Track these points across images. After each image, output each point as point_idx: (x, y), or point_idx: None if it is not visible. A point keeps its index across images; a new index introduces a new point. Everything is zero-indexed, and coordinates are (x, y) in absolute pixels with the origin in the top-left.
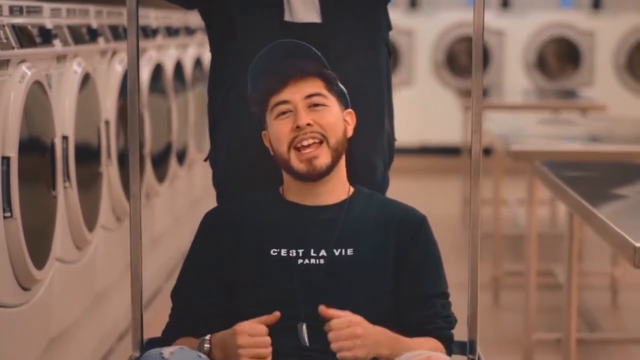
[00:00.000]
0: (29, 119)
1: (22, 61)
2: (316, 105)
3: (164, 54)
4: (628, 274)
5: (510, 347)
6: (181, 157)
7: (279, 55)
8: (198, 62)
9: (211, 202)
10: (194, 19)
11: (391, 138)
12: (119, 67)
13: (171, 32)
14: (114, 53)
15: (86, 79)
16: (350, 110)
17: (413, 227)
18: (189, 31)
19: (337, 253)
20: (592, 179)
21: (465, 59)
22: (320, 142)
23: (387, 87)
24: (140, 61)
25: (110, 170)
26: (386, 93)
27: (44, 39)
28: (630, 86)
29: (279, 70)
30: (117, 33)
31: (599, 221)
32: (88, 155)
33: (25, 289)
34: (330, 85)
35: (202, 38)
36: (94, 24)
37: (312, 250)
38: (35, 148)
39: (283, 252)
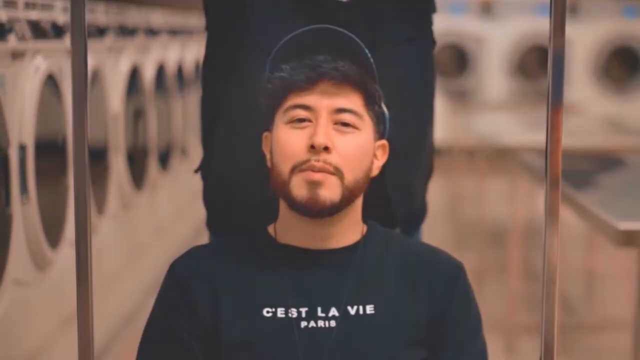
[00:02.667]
0: None
1: None
2: (345, 125)
3: (166, 53)
4: (605, 262)
5: (491, 332)
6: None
7: (316, 43)
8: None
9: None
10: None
11: (432, 152)
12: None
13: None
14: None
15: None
16: (384, 142)
17: (448, 278)
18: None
19: (352, 311)
20: (574, 170)
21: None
22: (332, 174)
23: (431, 90)
24: (85, 63)
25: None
26: (430, 97)
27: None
28: (606, 88)
29: (311, 62)
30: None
31: (582, 206)
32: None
33: None
34: (371, 104)
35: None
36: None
37: (319, 309)
38: None
39: (280, 312)
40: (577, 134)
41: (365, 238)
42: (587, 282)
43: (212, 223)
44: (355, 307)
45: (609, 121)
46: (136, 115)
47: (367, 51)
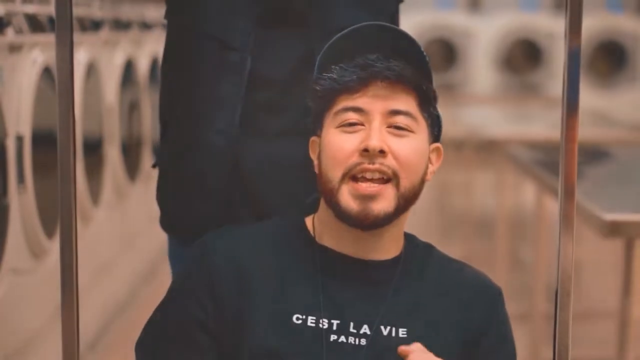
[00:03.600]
0: None
1: None
2: (399, 128)
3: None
4: (591, 253)
5: None
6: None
7: (367, 42)
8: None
9: None
10: None
11: None
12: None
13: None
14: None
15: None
16: (439, 145)
17: (487, 304)
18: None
19: (385, 332)
20: (557, 162)
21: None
22: (387, 181)
23: None
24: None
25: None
26: None
27: None
28: (591, 82)
29: (363, 62)
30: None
31: None
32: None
33: None
34: (426, 106)
35: None
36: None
37: (351, 324)
38: None
39: (310, 321)
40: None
41: (405, 253)
42: (573, 272)
43: (166, 223)
44: (388, 328)
45: (595, 114)
46: (131, 107)
47: (422, 49)
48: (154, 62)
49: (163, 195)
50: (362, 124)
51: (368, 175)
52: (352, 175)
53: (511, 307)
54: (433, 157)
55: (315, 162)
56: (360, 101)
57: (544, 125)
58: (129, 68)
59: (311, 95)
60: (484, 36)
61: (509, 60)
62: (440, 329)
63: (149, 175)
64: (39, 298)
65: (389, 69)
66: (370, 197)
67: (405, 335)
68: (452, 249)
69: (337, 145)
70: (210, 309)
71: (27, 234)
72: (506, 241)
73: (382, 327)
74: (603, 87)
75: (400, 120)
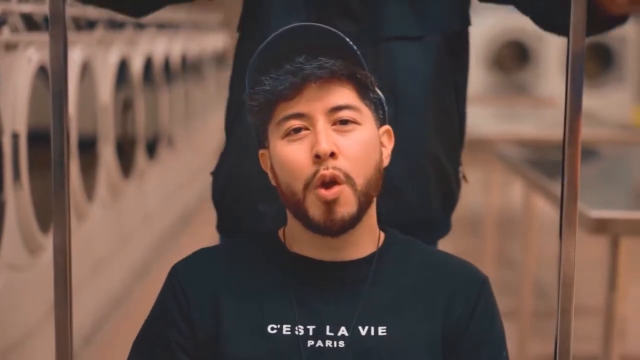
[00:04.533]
0: None
1: None
2: (345, 122)
3: (153, 47)
4: (577, 250)
5: None
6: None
7: (292, 45)
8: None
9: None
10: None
11: (447, 168)
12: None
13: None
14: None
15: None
16: (388, 127)
17: (470, 292)
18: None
19: (363, 332)
20: (549, 160)
21: None
22: (344, 183)
23: (434, 94)
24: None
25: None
26: (432, 101)
27: None
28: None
29: (292, 67)
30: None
31: (556, 195)
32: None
33: None
34: (365, 93)
35: (189, 32)
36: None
37: (327, 328)
38: None
39: (285, 329)
40: (553, 125)
41: (381, 249)
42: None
43: (222, 225)
44: (366, 328)
45: (583, 114)
46: (125, 106)
47: (345, 38)
48: (148, 62)
49: (223, 199)
50: (307, 128)
51: (325, 184)
52: (314, 185)
53: (499, 304)
54: (385, 140)
55: (270, 175)
56: (299, 107)
57: (532, 124)
58: (123, 67)
59: (249, 111)
60: (473, 37)
61: (498, 60)
62: (422, 323)
63: (143, 173)
64: (35, 294)
65: (320, 67)
66: (333, 202)
67: (385, 333)
68: (441, 246)
69: (289, 157)
70: (186, 331)
71: (23, 230)
72: (495, 238)
73: (359, 328)
74: (590, 88)
75: (344, 114)
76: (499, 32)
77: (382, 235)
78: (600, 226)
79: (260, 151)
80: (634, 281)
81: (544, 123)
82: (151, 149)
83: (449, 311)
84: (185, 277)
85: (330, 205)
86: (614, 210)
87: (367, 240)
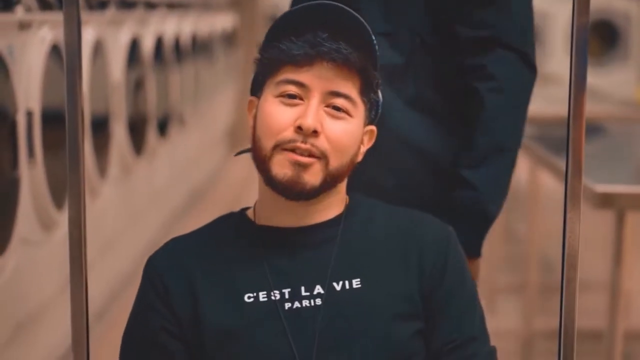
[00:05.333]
0: None
1: None
2: (337, 109)
3: (164, 26)
4: (582, 225)
5: None
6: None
7: (323, 21)
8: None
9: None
10: None
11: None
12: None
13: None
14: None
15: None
16: (372, 128)
17: (440, 243)
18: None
19: (338, 287)
20: (554, 137)
21: None
22: (317, 158)
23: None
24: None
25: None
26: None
27: (5, 5)
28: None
29: (313, 39)
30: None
31: (562, 170)
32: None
33: None
34: (367, 91)
35: (199, 12)
36: None
37: (302, 289)
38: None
39: (262, 296)
40: (558, 102)
41: (347, 210)
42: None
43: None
44: (340, 283)
45: (588, 91)
46: (136, 85)
47: (373, 36)
48: (158, 41)
49: None
50: (302, 99)
51: (297, 152)
52: (283, 148)
53: (505, 279)
54: (365, 138)
55: (250, 123)
56: (303, 76)
57: (537, 101)
58: (134, 47)
59: (257, 62)
60: None
61: None
62: (396, 274)
63: (154, 151)
64: (49, 269)
65: (337, 51)
66: (302, 166)
67: (359, 285)
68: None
69: (274, 115)
70: (170, 317)
71: (37, 206)
72: (500, 215)
73: (334, 284)
74: (595, 66)
75: (340, 102)
76: None
77: (347, 198)
78: (606, 201)
79: (251, 97)
80: (638, 256)
81: (549, 100)
82: (162, 127)
83: (422, 263)
84: (160, 267)
85: (297, 169)
86: (619, 185)
87: (334, 206)
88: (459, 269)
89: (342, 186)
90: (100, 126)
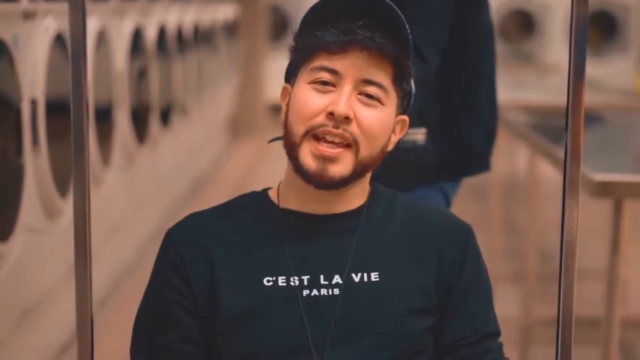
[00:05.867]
0: None
1: None
2: (370, 97)
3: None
4: (580, 214)
5: None
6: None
7: (358, 9)
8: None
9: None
10: None
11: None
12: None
13: None
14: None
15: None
16: (405, 117)
17: (459, 241)
18: None
19: (356, 279)
20: (553, 126)
21: None
22: (347, 146)
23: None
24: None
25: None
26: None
27: None
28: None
29: (347, 27)
30: None
31: (560, 160)
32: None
33: None
34: (400, 81)
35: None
36: None
37: (321, 277)
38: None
39: (281, 281)
40: (557, 92)
41: (369, 201)
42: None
43: None
44: (359, 275)
45: (587, 81)
46: (139, 75)
47: (407, 25)
48: (161, 31)
49: None
50: (334, 86)
51: (329, 138)
52: (314, 134)
53: (504, 268)
54: (397, 128)
55: (284, 109)
56: (337, 64)
57: (537, 91)
58: (137, 37)
59: (291, 49)
60: None
61: (503, 29)
62: (413, 269)
63: (157, 140)
64: (53, 256)
65: (372, 39)
66: (329, 159)
67: (377, 279)
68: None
69: (306, 101)
70: (186, 292)
71: (42, 194)
72: (500, 203)
73: (353, 275)
74: (594, 56)
75: (372, 90)
76: (504, 1)
77: (368, 188)
78: (604, 189)
79: (285, 84)
80: (636, 244)
81: (549, 90)
82: (165, 116)
83: (441, 259)
84: (179, 240)
85: (325, 161)
86: (617, 174)
87: (357, 195)
88: (477, 266)
89: (367, 177)
90: (104, 115)
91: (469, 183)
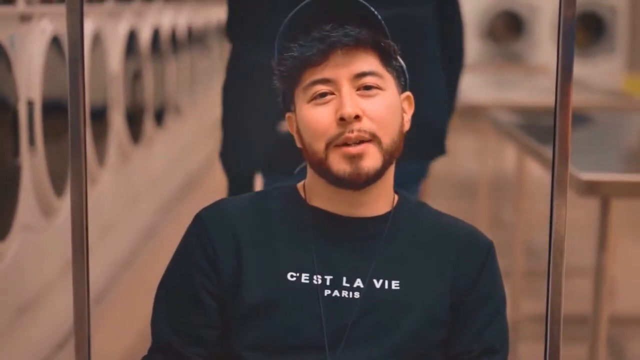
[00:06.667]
0: None
1: None
2: (368, 88)
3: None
4: (568, 212)
5: None
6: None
7: (320, 14)
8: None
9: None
10: None
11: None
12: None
13: None
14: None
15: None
16: (408, 94)
17: (477, 255)
18: None
19: (377, 285)
20: (541, 126)
21: None
22: (369, 141)
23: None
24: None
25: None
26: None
27: None
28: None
29: (319, 34)
30: None
31: (548, 159)
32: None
33: None
34: (388, 60)
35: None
36: None
37: (344, 279)
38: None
39: (304, 277)
40: (545, 92)
41: (396, 209)
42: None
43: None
44: (380, 281)
45: (574, 82)
46: (134, 76)
47: (370, 8)
48: (155, 33)
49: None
50: (333, 93)
51: (350, 142)
52: (336, 145)
53: None
54: (405, 106)
55: (296, 137)
56: (325, 72)
57: (524, 91)
58: (132, 38)
59: (277, 76)
60: (467, 8)
61: (491, 30)
62: (432, 281)
63: (151, 140)
64: (49, 254)
65: (346, 35)
66: (358, 156)
67: (398, 287)
68: (437, 208)
69: (314, 119)
70: (212, 275)
71: (38, 193)
72: (488, 201)
73: (374, 280)
74: (582, 57)
75: (368, 80)
76: (492, 2)
77: (396, 197)
78: (591, 188)
79: (287, 114)
80: (623, 242)
81: (537, 90)
82: (159, 116)
83: (457, 272)
84: (210, 223)
85: (355, 159)
86: (605, 173)
87: (383, 200)
88: (492, 282)
89: (391, 177)
90: (99, 115)
91: (458, 182)
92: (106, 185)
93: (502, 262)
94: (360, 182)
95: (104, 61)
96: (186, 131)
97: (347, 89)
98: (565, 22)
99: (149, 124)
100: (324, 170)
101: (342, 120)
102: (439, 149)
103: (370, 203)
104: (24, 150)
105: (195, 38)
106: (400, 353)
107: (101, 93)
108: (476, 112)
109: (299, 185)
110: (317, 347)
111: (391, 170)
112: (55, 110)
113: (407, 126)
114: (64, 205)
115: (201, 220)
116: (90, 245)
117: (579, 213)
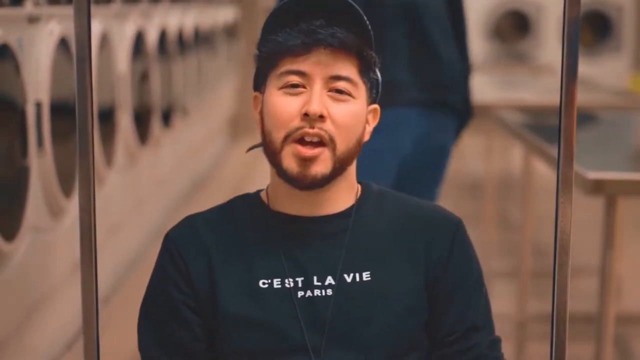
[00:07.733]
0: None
1: None
2: (340, 92)
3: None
4: (574, 211)
5: None
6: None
7: (313, 9)
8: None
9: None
10: None
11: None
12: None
13: None
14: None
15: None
16: (376, 107)
17: (446, 236)
18: None
19: (348, 279)
20: (547, 125)
21: None
22: (324, 145)
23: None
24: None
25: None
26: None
27: None
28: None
29: (307, 28)
30: None
31: (554, 158)
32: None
33: None
34: (366, 71)
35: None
36: None
37: (314, 278)
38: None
39: (276, 283)
40: (551, 91)
41: (358, 202)
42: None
43: None
44: (351, 275)
45: (581, 81)
46: (141, 77)
47: (364, 17)
48: (162, 34)
49: None
50: (304, 87)
51: (307, 139)
52: (293, 138)
53: (499, 264)
54: (370, 117)
55: (257, 118)
56: (303, 65)
57: (531, 91)
58: (139, 39)
59: (257, 57)
60: (474, 8)
61: (498, 30)
62: (404, 268)
63: (158, 141)
64: (57, 254)
65: (333, 36)
66: (309, 160)
67: (369, 278)
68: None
69: (280, 107)
70: (188, 291)
71: (46, 194)
72: (495, 201)
73: (345, 275)
74: (588, 56)
75: (341, 85)
76: (499, 2)
77: (359, 187)
78: (597, 187)
79: (255, 93)
80: (629, 241)
81: (543, 89)
82: (166, 117)
83: (429, 255)
84: (180, 241)
85: (306, 162)
86: (610, 172)
87: (344, 195)
88: (465, 260)
89: (352, 172)
90: (107, 116)
91: (465, 181)
92: (114, 186)
93: (509, 262)
94: (306, 183)
95: (111, 62)
96: (193, 132)
97: (319, 87)
98: (569, 22)
99: (156, 124)
100: (276, 163)
101: (306, 116)
102: (467, 110)
103: (331, 200)
104: (32, 151)
105: (202, 39)
106: (384, 344)
107: (108, 94)
108: (483, 112)
109: (262, 193)
110: (300, 349)
111: (351, 170)
112: (63, 111)
113: (366, 137)
114: (72, 206)
115: (171, 239)
116: (98, 246)
117: (585, 212)
